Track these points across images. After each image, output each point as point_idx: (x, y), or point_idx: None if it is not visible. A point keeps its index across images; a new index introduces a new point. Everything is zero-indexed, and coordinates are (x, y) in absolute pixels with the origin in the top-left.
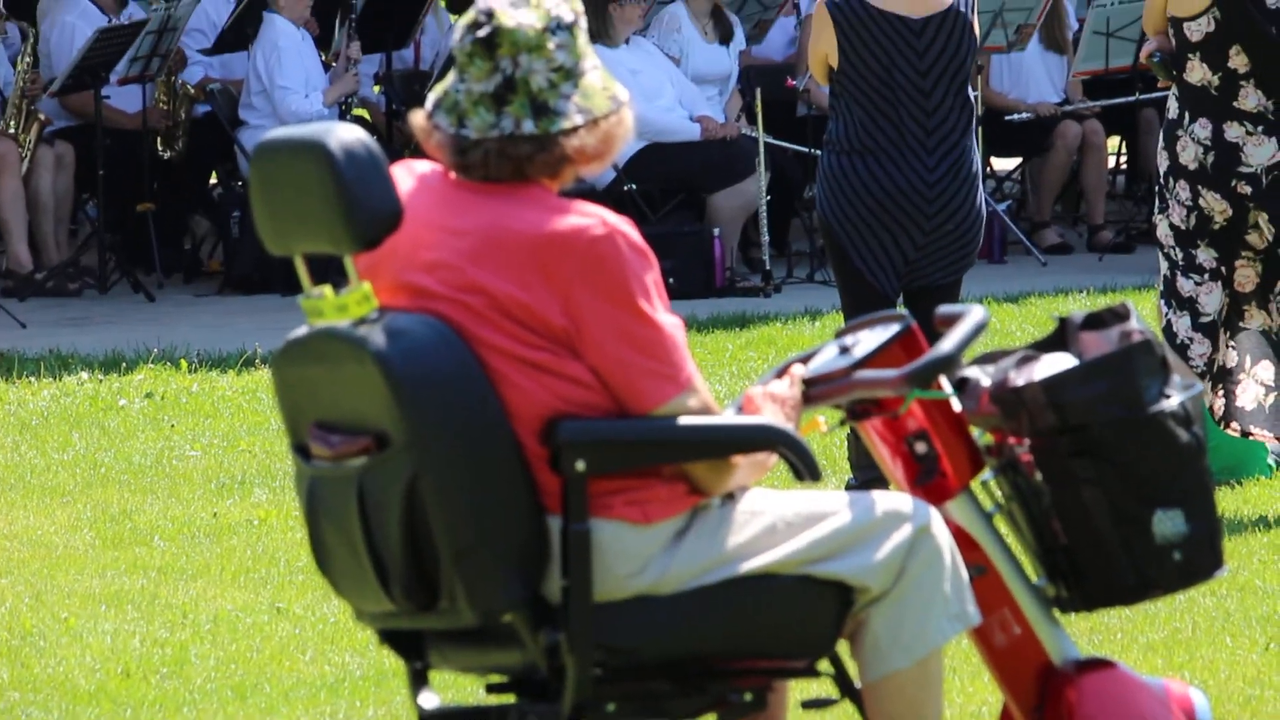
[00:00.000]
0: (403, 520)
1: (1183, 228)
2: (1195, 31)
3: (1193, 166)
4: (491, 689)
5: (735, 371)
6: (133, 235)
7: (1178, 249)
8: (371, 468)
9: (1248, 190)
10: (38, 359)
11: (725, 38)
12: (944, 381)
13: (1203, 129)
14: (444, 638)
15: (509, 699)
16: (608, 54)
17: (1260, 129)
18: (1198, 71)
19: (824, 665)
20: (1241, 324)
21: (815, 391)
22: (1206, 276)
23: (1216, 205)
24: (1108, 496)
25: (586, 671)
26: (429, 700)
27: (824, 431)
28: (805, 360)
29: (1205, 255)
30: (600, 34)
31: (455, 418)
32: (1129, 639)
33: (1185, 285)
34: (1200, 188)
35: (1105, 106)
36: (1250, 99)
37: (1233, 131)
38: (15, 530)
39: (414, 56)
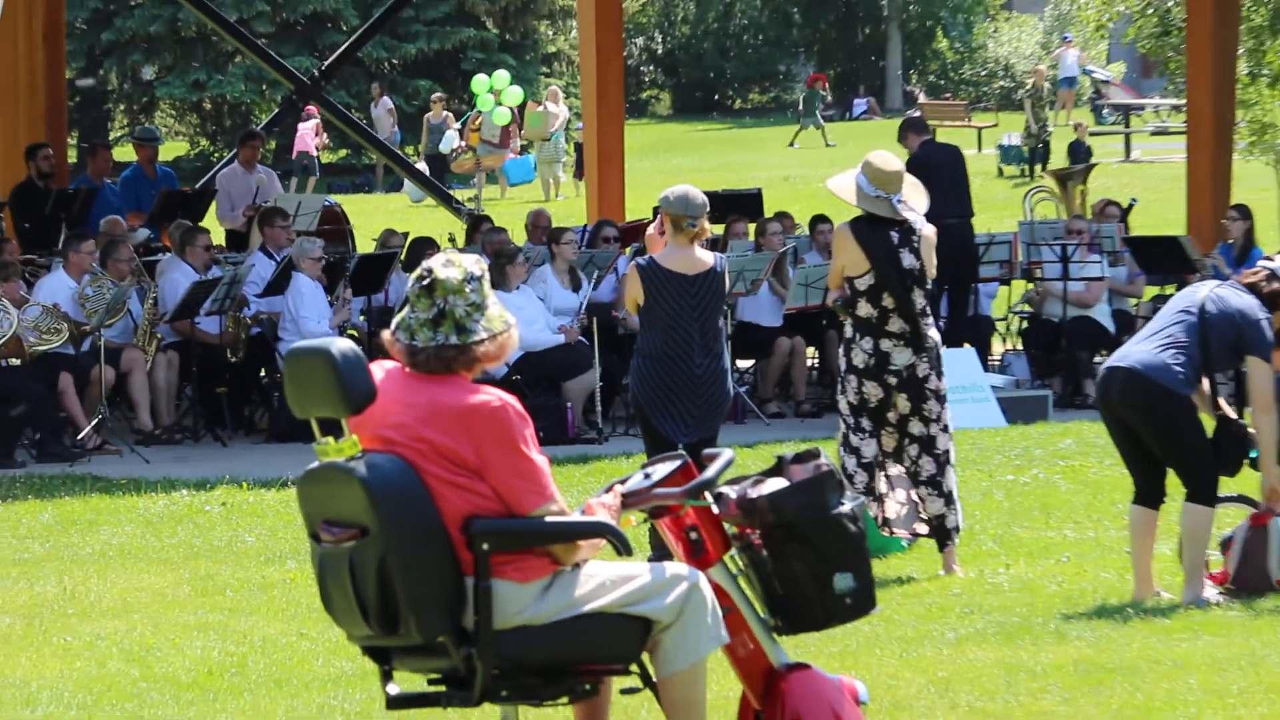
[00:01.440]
0: (376, 580)
1: (854, 403)
2: (861, 284)
3: (860, 366)
4: (431, 682)
5: (580, 490)
6: (214, 407)
7: (850, 417)
8: (358, 548)
9: (893, 382)
10: (156, 481)
11: (576, 286)
12: (707, 495)
13: (867, 343)
14: (402, 651)
15: (441, 689)
16: (503, 295)
17: (901, 343)
18: (864, 308)
19: (634, 668)
20: (888, 466)
21: (629, 501)
22: (866, 435)
23: (873, 392)
24: (806, 565)
25: (489, 672)
26: (393, 689)
27: (634, 525)
28: (623, 482)
29: (866, 422)
30: (499, 283)
31: (408, 518)
32: (818, 650)
33: (854, 439)
34: (864, 380)
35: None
36: (894, 324)
37: (885, 345)
38: (142, 584)
39: (384, 297)
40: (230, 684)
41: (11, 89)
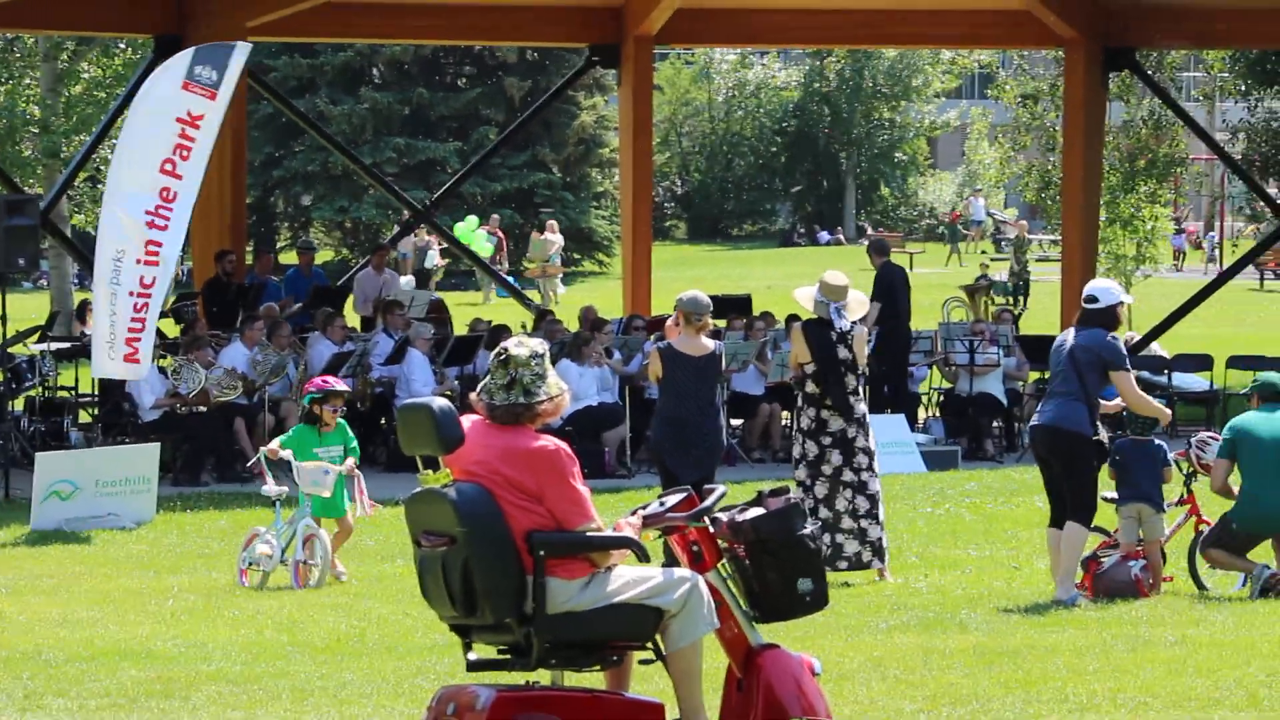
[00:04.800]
0: (461, 575)
1: (796, 457)
2: (809, 368)
3: (805, 428)
4: (500, 652)
5: (613, 513)
6: None
7: (801, 466)
8: (448, 552)
9: (828, 442)
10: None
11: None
12: (705, 519)
13: (811, 412)
14: (479, 628)
15: (507, 657)
16: (574, 367)
17: (836, 414)
18: (809, 386)
19: (649, 645)
20: (819, 511)
21: (648, 522)
22: (810, 480)
23: (811, 449)
24: (777, 572)
25: (543, 645)
26: (472, 656)
27: (651, 539)
28: (644, 508)
29: (802, 472)
30: (574, 356)
31: (485, 530)
32: (785, 635)
33: (802, 477)
34: (805, 439)
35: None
36: (830, 399)
37: (823, 414)
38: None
39: (473, 368)
40: (353, 649)
41: (207, 211)
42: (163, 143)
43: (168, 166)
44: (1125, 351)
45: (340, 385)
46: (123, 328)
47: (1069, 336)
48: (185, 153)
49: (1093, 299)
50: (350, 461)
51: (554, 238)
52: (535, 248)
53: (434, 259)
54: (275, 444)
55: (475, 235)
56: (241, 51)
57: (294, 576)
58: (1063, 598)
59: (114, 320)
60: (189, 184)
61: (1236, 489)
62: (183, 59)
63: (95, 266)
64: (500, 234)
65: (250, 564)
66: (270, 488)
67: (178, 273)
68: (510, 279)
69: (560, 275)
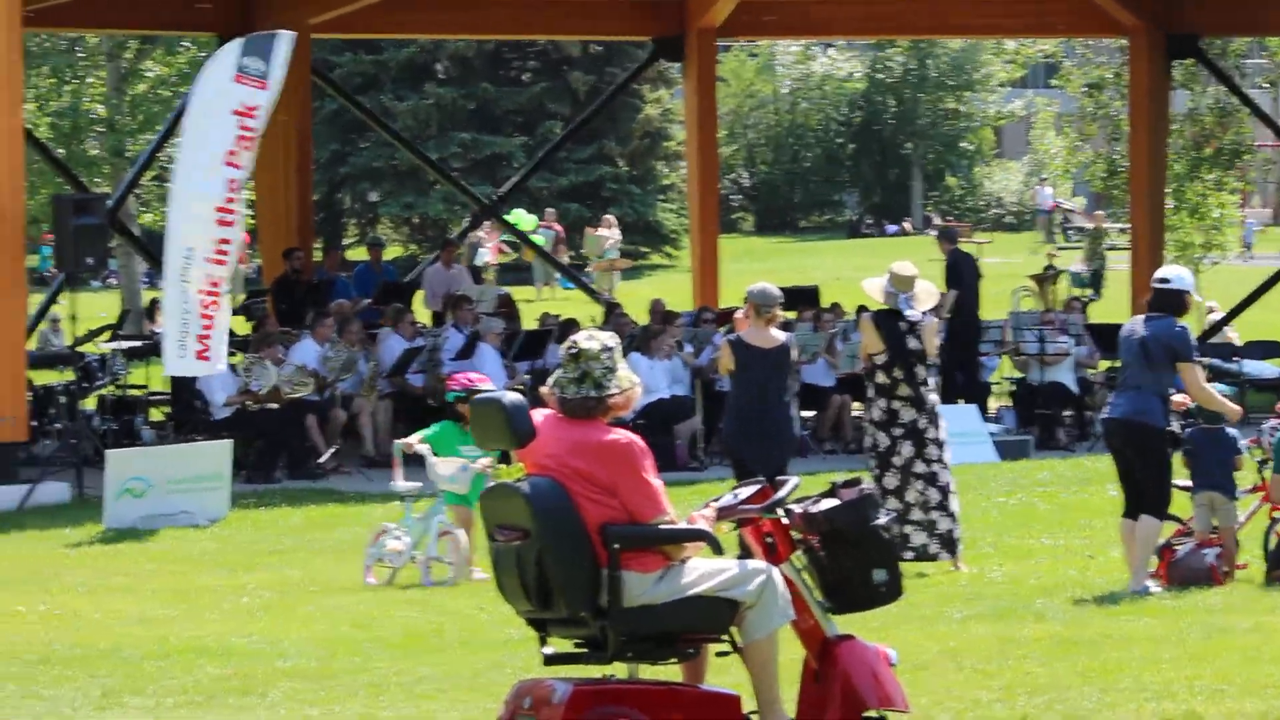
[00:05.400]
0: (536, 569)
1: (874, 448)
2: (879, 359)
3: (876, 419)
4: (576, 645)
5: (686, 506)
6: None
7: (872, 457)
8: (523, 546)
9: (899, 433)
10: (377, 494)
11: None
12: (779, 511)
13: (882, 403)
14: (554, 622)
15: (583, 651)
16: (644, 360)
17: (907, 404)
18: (880, 377)
19: (725, 637)
20: (886, 502)
21: (721, 514)
22: (880, 471)
23: (882, 440)
24: (852, 563)
25: (618, 639)
26: (548, 650)
27: (726, 532)
28: (717, 500)
29: (873, 464)
30: (644, 350)
31: (559, 524)
32: (861, 625)
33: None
34: (877, 430)
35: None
36: (902, 390)
37: (894, 405)
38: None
39: (543, 362)
40: (430, 644)
41: (274, 209)
42: (225, 136)
43: (231, 159)
44: (1194, 343)
45: (485, 384)
46: (195, 325)
47: (1138, 325)
48: (247, 143)
49: (1164, 280)
50: (487, 460)
51: (609, 233)
52: (590, 243)
53: (485, 256)
54: (415, 438)
55: (524, 223)
56: (286, 40)
57: (424, 574)
58: (1136, 589)
59: (186, 318)
60: (249, 173)
61: None
62: (231, 52)
63: (165, 264)
64: (559, 228)
65: (379, 560)
66: (400, 483)
67: (247, 270)
68: (573, 273)
69: (617, 271)
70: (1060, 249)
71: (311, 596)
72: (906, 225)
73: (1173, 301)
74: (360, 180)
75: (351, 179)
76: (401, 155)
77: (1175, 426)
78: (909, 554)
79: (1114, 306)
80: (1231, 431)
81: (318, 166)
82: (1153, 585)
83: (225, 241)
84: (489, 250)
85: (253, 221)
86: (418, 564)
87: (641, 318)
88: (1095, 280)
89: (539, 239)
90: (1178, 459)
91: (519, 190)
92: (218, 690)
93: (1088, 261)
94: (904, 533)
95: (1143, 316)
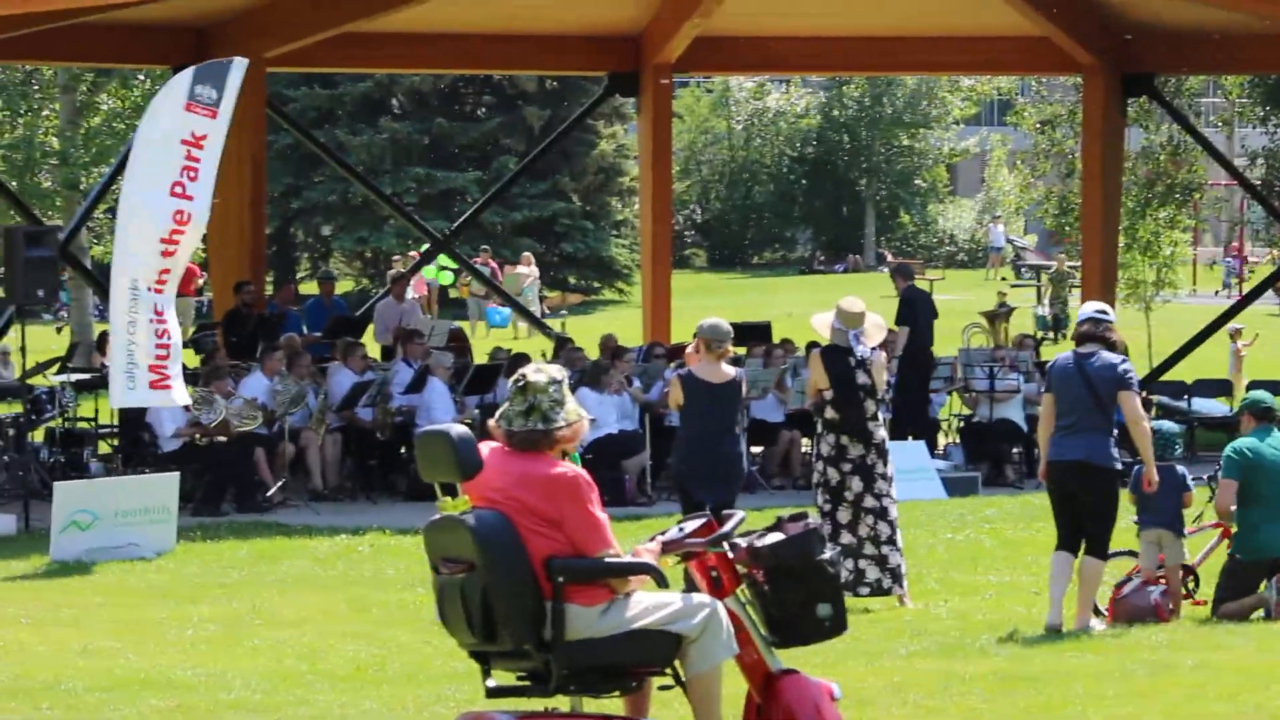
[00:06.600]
0: (480, 602)
1: (817, 483)
2: (827, 395)
3: (825, 454)
4: (519, 678)
5: (633, 539)
6: (367, 474)
7: (822, 492)
8: (467, 578)
9: (848, 468)
10: (323, 528)
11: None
12: (725, 545)
13: (830, 438)
14: (498, 655)
15: (526, 684)
16: (593, 395)
17: (855, 439)
18: (829, 412)
19: (669, 670)
20: (841, 536)
21: (667, 548)
22: (831, 506)
23: (832, 475)
24: (797, 597)
25: (561, 672)
26: (491, 682)
27: (671, 565)
28: (663, 534)
29: (821, 497)
30: (594, 384)
31: (504, 556)
32: (805, 659)
33: (823, 503)
34: (826, 466)
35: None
36: (849, 425)
37: (843, 440)
38: (311, 603)
39: (494, 397)
40: (374, 677)
41: (226, 242)
42: (171, 166)
43: (178, 190)
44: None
45: None
46: (145, 356)
47: (1071, 360)
48: (193, 174)
49: (1103, 312)
50: None
51: (528, 270)
52: (509, 281)
53: (411, 292)
54: None
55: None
56: (238, 67)
57: None
58: (1079, 626)
59: (132, 350)
60: (199, 205)
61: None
62: (183, 80)
63: (110, 296)
64: (494, 264)
65: None
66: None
67: (198, 303)
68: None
69: (557, 307)
70: (1013, 286)
71: (257, 630)
72: (855, 260)
73: (1106, 335)
74: (314, 214)
75: (305, 213)
76: (355, 189)
77: (1119, 465)
78: (865, 589)
79: (1069, 345)
80: (1180, 469)
81: (271, 200)
82: (1096, 624)
83: (165, 272)
84: (412, 288)
85: (204, 255)
86: None
87: (592, 352)
88: (1058, 324)
89: (446, 275)
90: (1125, 495)
91: (473, 225)
92: None
93: (1050, 304)
94: (859, 568)
95: (1071, 353)
